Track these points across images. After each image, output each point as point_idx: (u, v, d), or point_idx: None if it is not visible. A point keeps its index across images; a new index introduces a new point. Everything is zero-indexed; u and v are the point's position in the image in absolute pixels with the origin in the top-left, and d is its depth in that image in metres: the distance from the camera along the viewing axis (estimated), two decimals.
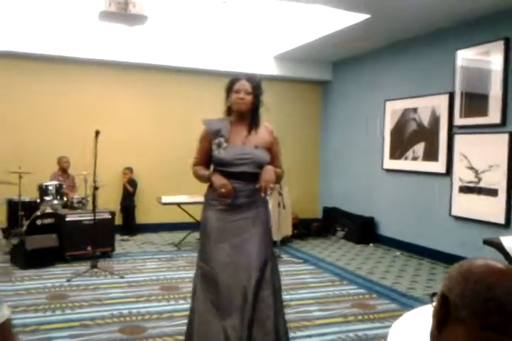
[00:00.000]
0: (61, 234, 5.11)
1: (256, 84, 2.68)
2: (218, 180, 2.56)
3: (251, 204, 2.65)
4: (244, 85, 2.63)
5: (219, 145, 2.63)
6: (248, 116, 2.70)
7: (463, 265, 1.02)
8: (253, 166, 2.63)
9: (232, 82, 2.68)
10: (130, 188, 6.71)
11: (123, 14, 4.30)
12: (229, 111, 2.76)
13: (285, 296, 4.07)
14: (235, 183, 2.57)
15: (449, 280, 1.02)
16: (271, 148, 2.74)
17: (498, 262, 1.00)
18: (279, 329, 2.68)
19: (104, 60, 6.52)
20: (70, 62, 6.54)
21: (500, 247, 3.29)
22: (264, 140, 2.71)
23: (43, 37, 6.14)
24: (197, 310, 2.60)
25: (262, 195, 2.63)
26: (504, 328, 0.93)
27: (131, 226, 6.76)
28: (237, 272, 2.55)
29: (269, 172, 2.61)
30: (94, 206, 4.98)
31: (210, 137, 2.67)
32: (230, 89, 2.67)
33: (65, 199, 5.54)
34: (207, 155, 2.71)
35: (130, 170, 6.79)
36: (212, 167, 2.75)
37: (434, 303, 1.05)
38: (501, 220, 4.70)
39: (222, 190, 2.52)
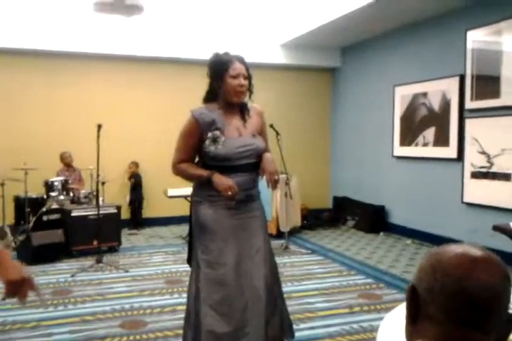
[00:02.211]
0: (67, 229, 5.11)
1: (247, 66, 2.41)
2: (223, 181, 2.29)
3: (250, 197, 2.46)
4: (242, 69, 2.35)
5: (215, 140, 2.33)
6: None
7: (434, 254, 0.92)
8: (253, 157, 2.43)
9: (224, 64, 2.35)
10: (131, 181, 6.69)
11: (118, 4, 4.23)
12: (212, 96, 2.43)
13: (290, 287, 4.01)
14: (234, 177, 2.34)
15: (420, 271, 0.93)
16: (261, 131, 2.53)
17: (475, 249, 0.90)
18: (284, 323, 2.60)
19: (105, 53, 6.46)
20: (71, 57, 6.49)
21: (509, 233, 3.17)
22: (256, 125, 2.49)
23: (41, 32, 6.09)
24: (202, 313, 2.33)
25: (270, 189, 2.44)
26: (475, 323, 0.83)
27: (138, 220, 6.75)
28: (249, 273, 2.37)
29: (270, 163, 2.40)
30: (98, 201, 4.95)
31: (200, 131, 2.35)
32: (221, 73, 2.34)
33: (71, 194, 5.53)
34: (193, 152, 2.43)
35: (135, 164, 6.76)
36: (197, 161, 2.49)
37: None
38: None
39: (229, 193, 2.27)
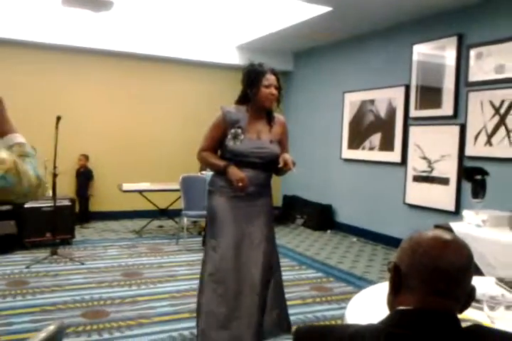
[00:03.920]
0: (20, 220, 5.03)
1: (278, 77, 2.67)
2: (236, 173, 2.56)
3: (260, 193, 2.69)
4: (274, 80, 2.61)
5: (235, 137, 2.61)
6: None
7: (413, 238, 1.14)
8: (266, 159, 2.66)
9: (258, 74, 2.60)
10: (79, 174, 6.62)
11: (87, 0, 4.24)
12: (244, 100, 2.69)
13: None
14: (247, 172, 2.60)
15: (401, 252, 1.14)
16: (281, 140, 2.77)
17: (445, 233, 1.12)
18: (286, 313, 2.82)
19: (65, 45, 6.36)
20: (29, 47, 6.34)
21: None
22: (277, 133, 2.74)
23: (2, 20, 5.93)
24: (205, 295, 2.62)
25: (288, 169, 2.58)
26: (448, 293, 1.05)
27: (85, 215, 6.61)
28: (247, 260, 2.59)
29: (286, 155, 2.64)
30: (55, 193, 4.92)
31: (226, 126, 2.63)
32: (255, 82, 2.60)
33: None
34: (217, 143, 2.69)
35: (85, 156, 6.66)
36: (219, 153, 2.74)
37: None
38: (452, 208, 4.95)
39: (240, 184, 2.54)
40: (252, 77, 2.63)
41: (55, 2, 5.09)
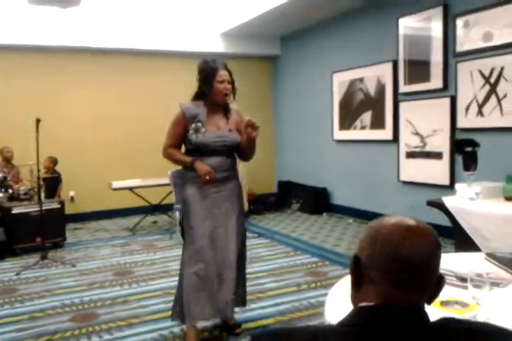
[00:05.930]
0: (8, 227, 4.92)
1: (231, 71, 2.82)
2: (203, 168, 2.71)
3: (227, 178, 2.84)
4: (226, 75, 2.78)
5: (197, 131, 2.75)
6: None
7: (373, 225, 1.01)
8: (230, 147, 2.85)
9: (211, 71, 2.75)
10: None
11: None
12: (200, 96, 2.82)
13: None
14: (213, 158, 2.77)
15: (361, 241, 1.02)
16: (239, 127, 2.90)
17: (408, 219, 1.00)
18: (244, 289, 3.02)
19: (38, 45, 6.20)
20: (7, 50, 6.19)
21: (442, 207, 3.38)
22: (234, 122, 2.89)
23: None
24: (186, 283, 2.77)
25: (255, 127, 2.72)
26: (413, 284, 0.93)
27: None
28: (223, 246, 2.78)
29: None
30: (40, 196, 4.81)
31: (186, 122, 2.77)
32: (209, 79, 2.75)
33: (10, 191, 5.32)
34: (180, 139, 2.83)
35: (51, 159, 6.01)
36: (184, 148, 2.89)
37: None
38: (446, 182, 4.83)
39: (207, 178, 2.70)
40: (205, 74, 2.78)
41: (22, 1, 4.91)
